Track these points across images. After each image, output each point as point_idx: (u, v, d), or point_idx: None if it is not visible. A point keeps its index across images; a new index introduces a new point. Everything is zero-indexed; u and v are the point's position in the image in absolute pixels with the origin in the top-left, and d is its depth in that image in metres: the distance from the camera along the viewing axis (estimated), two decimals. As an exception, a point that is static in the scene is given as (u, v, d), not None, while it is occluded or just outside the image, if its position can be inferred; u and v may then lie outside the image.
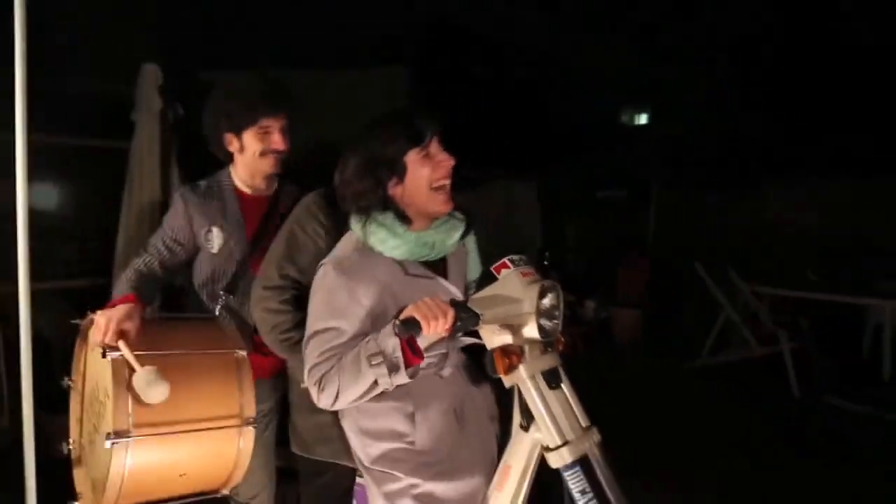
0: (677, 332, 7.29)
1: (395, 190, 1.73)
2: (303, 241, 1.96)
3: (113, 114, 4.20)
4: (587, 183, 8.34)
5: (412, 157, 1.71)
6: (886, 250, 7.00)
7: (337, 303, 1.70)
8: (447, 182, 1.76)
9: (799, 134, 8.32)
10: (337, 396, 1.66)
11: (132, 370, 1.69)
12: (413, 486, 1.77)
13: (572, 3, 6.53)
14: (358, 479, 2.11)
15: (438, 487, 1.77)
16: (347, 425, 1.90)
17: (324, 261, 1.78)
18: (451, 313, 1.51)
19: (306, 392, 2.01)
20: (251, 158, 2.14)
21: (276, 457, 2.32)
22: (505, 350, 1.69)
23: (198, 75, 4.68)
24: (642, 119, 11.85)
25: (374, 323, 1.71)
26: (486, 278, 1.80)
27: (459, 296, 1.88)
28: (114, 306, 1.84)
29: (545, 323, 1.73)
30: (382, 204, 1.72)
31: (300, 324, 1.91)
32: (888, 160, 7.55)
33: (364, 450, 1.84)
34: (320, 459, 2.05)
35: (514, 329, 1.74)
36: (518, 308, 1.70)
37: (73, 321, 2.03)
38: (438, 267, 1.88)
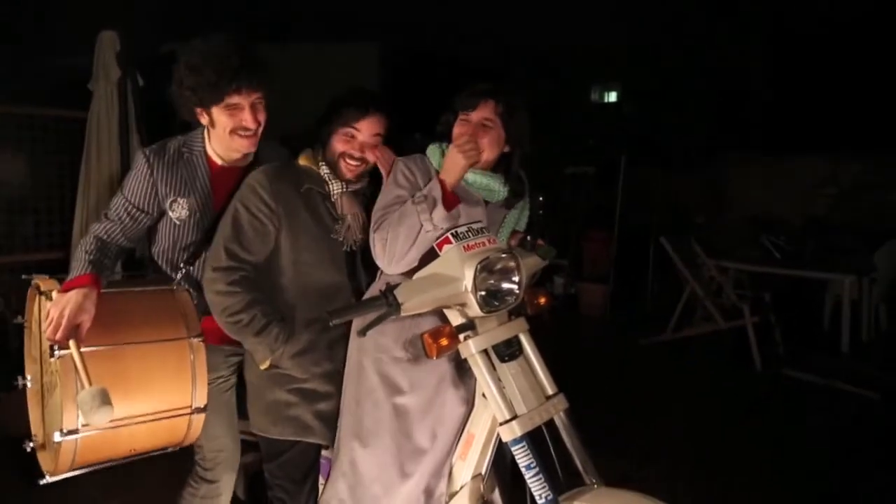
0: (643, 306, 7.38)
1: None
2: (247, 220, 1.93)
3: (70, 83, 4.09)
4: (557, 158, 8.32)
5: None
6: (843, 227, 7.14)
7: (400, 178, 1.98)
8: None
9: (770, 112, 8.45)
10: (387, 242, 1.85)
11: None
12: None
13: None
14: (323, 453, 2.10)
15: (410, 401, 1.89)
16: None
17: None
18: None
19: (263, 373, 1.99)
20: (222, 135, 1.99)
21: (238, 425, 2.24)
22: (435, 333, 1.65)
23: (159, 43, 4.55)
24: (612, 97, 11.88)
25: None
26: (431, 254, 1.78)
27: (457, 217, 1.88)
28: (69, 288, 1.73)
29: (488, 298, 1.68)
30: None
31: (250, 305, 1.89)
32: (844, 140, 7.72)
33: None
34: (281, 438, 2.01)
35: (461, 307, 1.70)
36: (456, 287, 1.66)
37: (24, 276, 1.96)
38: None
